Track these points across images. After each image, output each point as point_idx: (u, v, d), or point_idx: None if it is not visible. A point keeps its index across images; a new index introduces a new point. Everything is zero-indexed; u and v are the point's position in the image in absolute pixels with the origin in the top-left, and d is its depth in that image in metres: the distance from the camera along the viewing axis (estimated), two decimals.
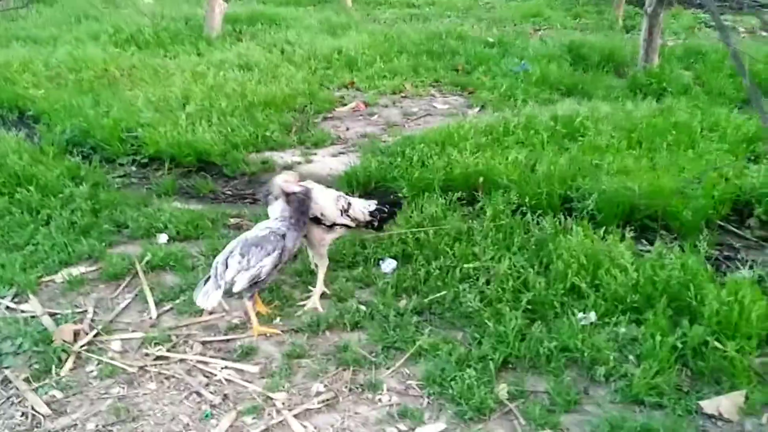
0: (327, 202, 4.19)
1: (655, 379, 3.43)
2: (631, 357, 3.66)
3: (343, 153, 6.66)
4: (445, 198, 5.14)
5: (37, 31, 11.06)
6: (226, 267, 3.82)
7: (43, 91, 7.82)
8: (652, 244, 4.68)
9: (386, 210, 4.45)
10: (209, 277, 3.86)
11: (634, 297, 3.94)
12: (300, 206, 4.00)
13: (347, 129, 7.37)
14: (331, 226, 4.22)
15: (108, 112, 6.91)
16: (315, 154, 6.64)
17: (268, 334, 3.92)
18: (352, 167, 5.91)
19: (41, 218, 5.11)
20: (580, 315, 3.89)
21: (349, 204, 4.29)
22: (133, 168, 6.45)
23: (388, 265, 4.55)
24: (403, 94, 8.56)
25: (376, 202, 4.46)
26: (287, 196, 4.02)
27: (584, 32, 11.97)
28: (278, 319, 4.09)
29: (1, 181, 5.45)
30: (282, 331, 3.95)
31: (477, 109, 7.84)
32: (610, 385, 3.51)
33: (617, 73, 9.30)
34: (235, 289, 3.80)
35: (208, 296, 3.77)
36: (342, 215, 4.22)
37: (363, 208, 4.34)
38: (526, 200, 4.96)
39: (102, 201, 5.39)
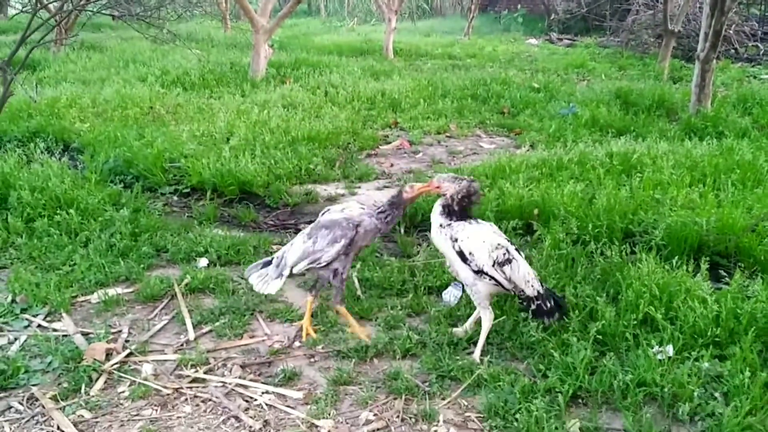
0: (481, 242, 3.55)
1: (747, 419, 3.04)
2: (717, 394, 3.27)
3: (387, 187, 6.47)
4: (499, 226, 4.85)
5: (86, 74, 11.30)
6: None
7: (89, 124, 7.85)
8: (719, 280, 4.33)
9: (553, 302, 3.63)
10: (269, 261, 3.73)
11: (715, 330, 3.57)
12: (394, 198, 3.78)
13: (391, 165, 7.21)
14: (479, 273, 3.56)
15: (152, 144, 6.85)
16: (359, 187, 6.47)
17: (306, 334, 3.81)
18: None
19: (80, 240, 4.96)
20: (656, 348, 3.53)
21: (509, 260, 3.54)
22: (175, 197, 6.34)
23: (451, 294, 4.22)
24: (447, 134, 8.42)
25: (545, 287, 3.68)
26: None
27: (631, 82, 11.77)
28: (320, 345, 3.80)
29: (42, 203, 5.34)
30: (326, 354, 3.66)
31: (526, 148, 7.62)
32: (696, 425, 3.13)
33: (668, 118, 9.05)
34: (295, 271, 3.69)
35: (267, 282, 3.68)
36: (495, 268, 3.53)
37: (530, 278, 3.59)
38: (589, 229, 4.66)
39: (142, 225, 5.24)
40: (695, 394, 3.22)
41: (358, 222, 3.66)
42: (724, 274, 4.44)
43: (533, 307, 3.58)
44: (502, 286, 3.56)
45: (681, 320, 3.67)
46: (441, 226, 3.65)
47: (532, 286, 3.58)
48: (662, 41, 13.89)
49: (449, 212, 3.64)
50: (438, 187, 3.67)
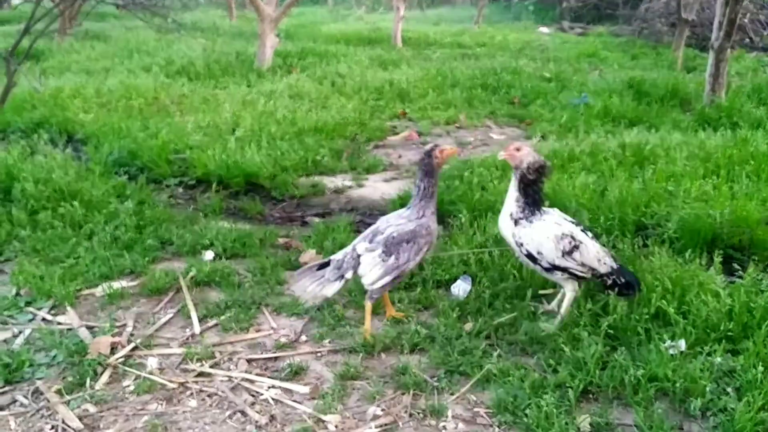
0: (545, 238, 3.60)
1: (760, 414, 2.96)
2: (729, 389, 3.20)
3: (395, 179, 6.41)
4: None
5: (89, 64, 11.26)
6: (357, 262, 3.62)
7: (93, 115, 7.80)
8: (733, 274, 4.25)
9: (627, 279, 3.68)
10: (323, 265, 3.65)
11: (728, 324, 3.50)
12: (425, 165, 3.71)
13: (399, 156, 7.14)
14: (551, 269, 3.63)
15: (156, 135, 6.81)
16: (366, 179, 6.41)
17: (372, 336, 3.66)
18: (407, 191, 5.62)
19: (84, 233, 4.93)
20: (668, 342, 3.46)
21: (576, 246, 3.60)
22: (180, 189, 6.30)
23: (460, 288, 4.14)
24: (457, 125, 8.34)
25: (618, 263, 3.74)
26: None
27: (644, 71, 11.63)
28: (327, 340, 3.75)
29: (46, 195, 5.31)
30: (333, 349, 3.62)
31: (537, 139, 7.53)
32: (708, 420, 3.06)
33: (682, 108, 8.93)
34: (375, 287, 3.62)
35: (323, 286, 3.59)
36: (564, 257, 3.58)
37: (601, 256, 3.64)
38: (601, 222, 4.59)
39: (147, 218, 5.20)
40: (707, 389, 3.15)
41: (428, 225, 3.66)
42: (738, 267, 4.35)
43: (609, 282, 3.63)
44: (577, 275, 3.62)
45: (693, 314, 3.60)
46: (511, 217, 3.69)
47: (605, 263, 3.63)
48: (676, 30, 13.72)
49: (524, 190, 3.66)
50: (518, 149, 3.70)
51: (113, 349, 3.62)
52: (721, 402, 3.10)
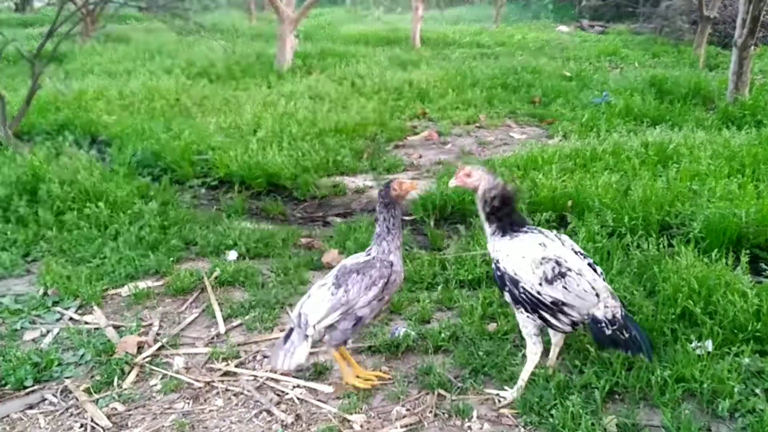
0: (521, 258, 3.06)
1: None
2: (758, 390, 3.16)
3: (416, 178, 6.41)
4: (532, 219, 4.79)
5: (112, 66, 11.38)
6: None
7: (116, 117, 7.89)
8: (760, 273, 4.21)
9: (633, 335, 3.03)
10: (289, 332, 3.21)
11: (756, 325, 3.46)
12: (383, 197, 3.27)
13: (420, 156, 7.13)
14: (524, 304, 3.06)
15: (179, 136, 6.87)
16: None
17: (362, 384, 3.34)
18: (428, 192, 5.62)
19: (109, 233, 4.99)
20: (695, 343, 3.42)
21: (563, 273, 3.00)
22: (203, 190, 6.35)
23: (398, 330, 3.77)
24: (477, 125, 8.33)
25: (623, 310, 3.08)
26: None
27: (665, 69, 11.52)
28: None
29: (71, 195, 5.38)
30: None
31: (558, 138, 7.49)
32: (736, 421, 3.03)
33: (705, 106, 8.83)
34: (321, 326, 3.16)
35: (292, 353, 3.11)
36: (545, 285, 3.01)
37: (602, 295, 3.04)
38: (625, 222, 4.56)
39: (171, 218, 5.26)
40: (735, 390, 3.12)
41: (386, 259, 3.23)
42: (766, 267, 4.31)
43: (608, 332, 2.98)
44: (551, 319, 3.03)
45: (720, 315, 3.57)
46: (490, 236, 3.22)
47: (605, 306, 3.02)
48: (697, 28, 13.57)
49: (489, 217, 3.18)
50: (468, 175, 3.19)
51: (140, 348, 3.66)
52: (750, 403, 3.07)
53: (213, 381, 3.40)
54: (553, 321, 3.06)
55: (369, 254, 3.27)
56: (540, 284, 3.00)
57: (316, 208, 5.90)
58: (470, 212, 5.26)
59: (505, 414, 3.13)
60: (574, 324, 3.06)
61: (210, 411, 3.19)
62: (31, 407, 3.24)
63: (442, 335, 3.65)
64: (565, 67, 11.49)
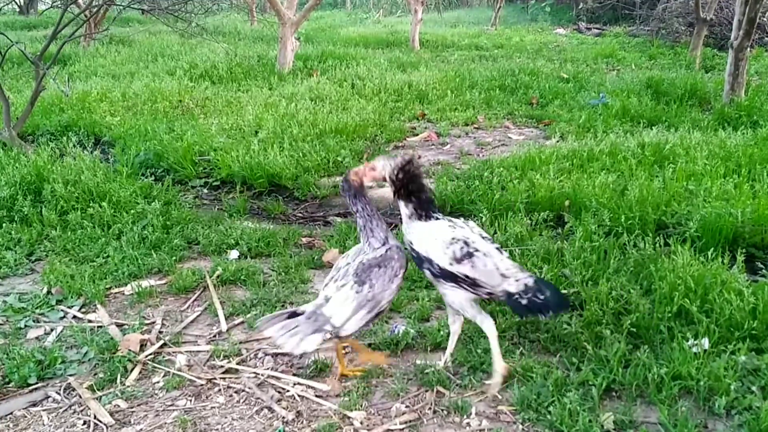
0: (433, 239, 3.19)
1: None
2: (754, 388, 3.21)
3: None
4: (529, 219, 4.84)
5: (115, 68, 11.43)
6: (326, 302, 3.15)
7: (119, 118, 7.95)
8: (756, 272, 4.26)
9: (549, 296, 3.11)
10: (294, 312, 3.14)
11: (752, 323, 3.50)
12: (346, 189, 3.30)
13: (419, 157, 7.17)
14: (440, 277, 3.19)
15: (181, 137, 6.92)
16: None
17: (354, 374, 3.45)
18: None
19: (112, 233, 5.04)
20: (691, 341, 3.47)
21: (470, 253, 3.15)
22: (205, 190, 6.41)
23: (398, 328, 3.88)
24: (475, 126, 8.37)
25: (534, 278, 3.19)
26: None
27: (662, 71, 11.57)
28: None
29: (75, 196, 5.43)
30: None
31: (555, 139, 7.54)
32: (733, 419, 3.07)
33: (701, 107, 8.88)
34: (352, 328, 3.13)
35: (302, 339, 2.99)
36: (455, 264, 3.13)
37: (507, 272, 3.15)
38: (621, 221, 4.61)
39: (173, 218, 5.30)
40: (732, 387, 3.16)
41: (397, 246, 3.27)
42: (761, 266, 4.36)
43: (524, 302, 3.10)
44: (469, 289, 3.15)
45: (716, 313, 3.60)
46: (406, 220, 3.32)
47: (516, 280, 3.13)
48: (694, 30, 13.63)
49: (405, 196, 3.27)
50: (373, 169, 3.29)
51: (142, 346, 3.70)
52: (746, 400, 3.11)
53: (215, 378, 3.44)
54: (471, 290, 3.17)
55: (374, 247, 3.25)
56: (450, 264, 3.12)
57: (316, 208, 5.95)
58: (469, 212, 5.31)
59: (503, 411, 3.17)
60: (490, 294, 3.18)
61: (212, 408, 3.24)
62: (34, 404, 3.28)
63: (441, 333, 3.69)
64: (562, 69, 11.54)
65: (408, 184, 3.25)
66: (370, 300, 3.13)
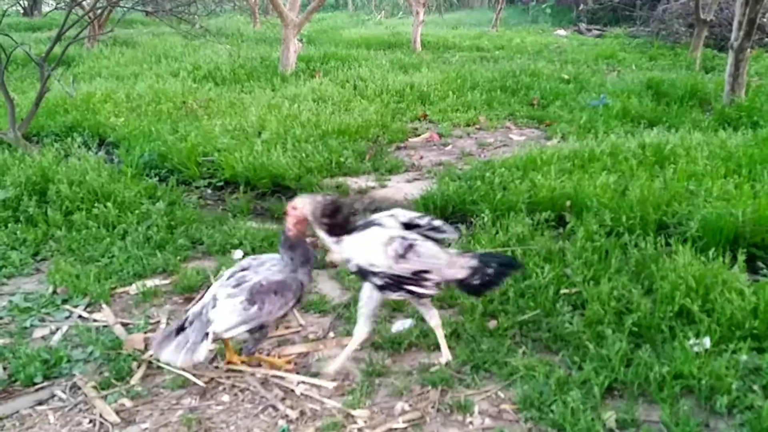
0: (372, 245, 3.19)
1: None
2: (755, 387, 3.23)
3: (418, 179, 6.49)
4: (531, 219, 4.87)
5: (119, 69, 11.47)
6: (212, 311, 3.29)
7: (123, 119, 7.99)
8: (757, 272, 4.29)
9: (497, 268, 3.25)
10: (181, 327, 3.28)
11: (753, 323, 3.53)
12: (286, 243, 3.39)
13: (421, 157, 7.21)
14: (386, 288, 3.22)
15: (185, 138, 6.95)
16: (389, 179, 6.49)
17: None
18: (429, 191, 5.70)
19: (117, 233, 5.07)
20: (693, 340, 3.50)
21: (411, 245, 3.15)
22: (209, 190, 6.43)
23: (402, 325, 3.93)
24: (477, 126, 8.40)
25: (477, 257, 3.30)
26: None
27: (662, 72, 11.60)
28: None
29: (80, 196, 5.46)
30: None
31: (556, 139, 7.57)
32: (734, 418, 3.09)
33: (701, 108, 8.91)
34: (228, 335, 3.33)
35: (193, 350, 3.18)
36: (399, 261, 3.14)
37: (453, 260, 3.24)
38: (623, 221, 4.64)
39: (178, 218, 5.33)
40: (733, 386, 3.18)
41: (300, 280, 3.37)
42: (762, 266, 4.39)
43: (476, 283, 3.20)
44: (417, 290, 3.20)
45: (718, 312, 3.63)
46: (333, 245, 3.32)
47: (461, 266, 3.21)
48: (694, 31, 13.66)
49: (329, 232, 3.29)
50: (294, 208, 3.29)
51: (147, 345, 3.72)
52: (748, 399, 3.13)
53: (219, 377, 3.47)
54: (420, 290, 3.22)
55: (282, 270, 3.35)
56: (396, 262, 3.13)
57: None
58: (471, 212, 5.34)
59: (506, 409, 3.20)
60: (437, 284, 3.24)
61: (217, 406, 3.26)
62: (40, 403, 3.30)
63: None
64: (563, 70, 11.56)
65: (334, 217, 3.25)
66: (254, 319, 3.29)
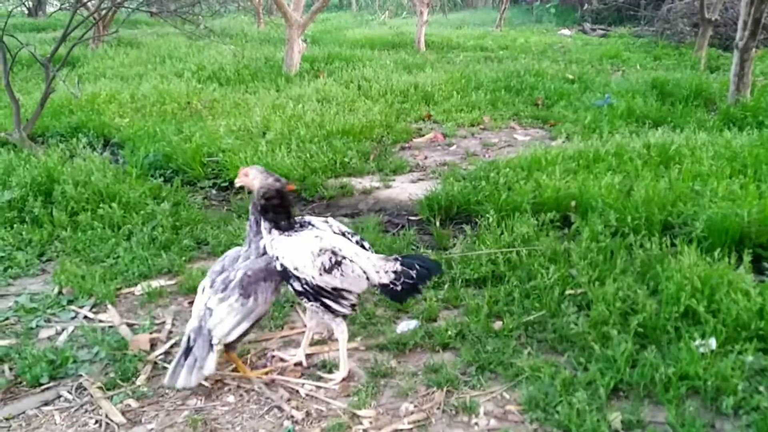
0: (300, 254, 3.17)
1: None
2: (761, 388, 3.22)
3: (422, 179, 6.49)
4: (536, 219, 4.87)
5: (123, 70, 11.50)
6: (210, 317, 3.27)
7: (128, 120, 8.01)
8: (763, 273, 4.27)
9: (418, 273, 3.27)
10: (186, 350, 3.24)
11: (759, 323, 3.52)
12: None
13: (425, 158, 7.21)
14: (303, 295, 3.25)
15: (190, 138, 6.96)
16: (393, 180, 6.49)
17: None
18: (434, 191, 5.69)
19: (122, 233, 5.08)
20: (698, 341, 3.49)
21: (339, 262, 3.17)
22: (214, 191, 6.46)
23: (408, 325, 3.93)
24: (481, 127, 8.40)
25: (400, 261, 3.32)
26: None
27: (667, 72, 11.57)
28: (359, 337, 3.82)
29: (85, 196, 5.47)
30: (365, 346, 3.70)
31: (561, 139, 7.56)
32: (740, 419, 3.08)
33: (706, 108, 8.89)
34: (233, 337, 3.29)
35: (201, 367, 3.18)
36: (324, 274, 3.17)
37: (379, 266, 3.26)
38: (628, 222, 4.63)
39: (183, 219, 5.35)
40: (739, 387, 3.17)
41: (276, 256, 3.29)
42: (764, 268, 4.37)
43: (399, 288, 3.24)
44: (332, 305, 3.25)
45: (723, 313, 3.62)
46: (267, 234, 3.28)
47: (386, 272, 3.25)
48: (698, 30, 13.63)
49: (262, 214, 3.26)
50: (246, 175, 3.28)
51: (153, 345, 3.74)
52: (754, 400, 3.12)
53: (224, 378, 3.47)
54: (334, 306, 3.27)
55: (257, 248, 3.36)
56: (320, 274, 3.16)
57: (324, 209, 5.97)
58: (476, 213, 5.34)
59: (511, 410, 3.19)
60: (353, 306, 3.33)
61: (222, 407, 3.27)
62: (46, 404, 3.32)
63: (449, 333, 3.72)
64: (567, 70, 11.55)
65: (272, 206, 3.22)
66: (253, 311, 3.29)
